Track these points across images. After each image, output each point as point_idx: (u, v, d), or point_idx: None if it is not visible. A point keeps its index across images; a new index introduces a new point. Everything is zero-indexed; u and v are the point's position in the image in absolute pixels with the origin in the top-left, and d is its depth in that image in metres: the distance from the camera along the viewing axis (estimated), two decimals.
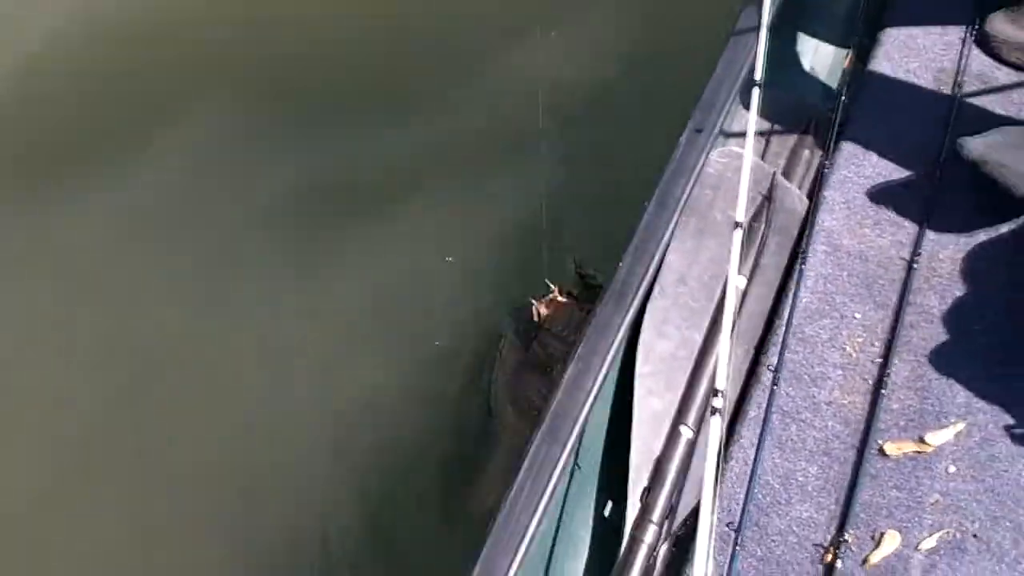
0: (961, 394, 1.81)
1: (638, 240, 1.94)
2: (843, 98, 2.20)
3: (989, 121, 2.10)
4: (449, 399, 2.77)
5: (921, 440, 1.76)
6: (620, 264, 1.91)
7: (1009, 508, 1.67)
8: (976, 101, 2.21)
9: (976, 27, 2.30)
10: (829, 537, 1.72)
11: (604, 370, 1.76)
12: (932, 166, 2.10)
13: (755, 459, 1.80)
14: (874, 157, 2.17)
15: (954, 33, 2.34)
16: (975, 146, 1.95)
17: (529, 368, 2.51)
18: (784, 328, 1.94)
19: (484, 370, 2.69)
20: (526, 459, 1.68)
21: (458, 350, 2.85)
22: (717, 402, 1.62)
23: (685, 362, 1.89)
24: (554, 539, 1.78)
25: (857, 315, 1.96)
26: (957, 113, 2.18)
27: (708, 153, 2.04)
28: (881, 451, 1.76)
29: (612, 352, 1.79)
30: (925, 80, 2.28)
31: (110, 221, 3.22)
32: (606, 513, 1.86)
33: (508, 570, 1.60)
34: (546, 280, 2.47)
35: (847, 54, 2.41)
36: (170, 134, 3.39)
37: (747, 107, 2.00)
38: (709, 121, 2.10)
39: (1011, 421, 1.75)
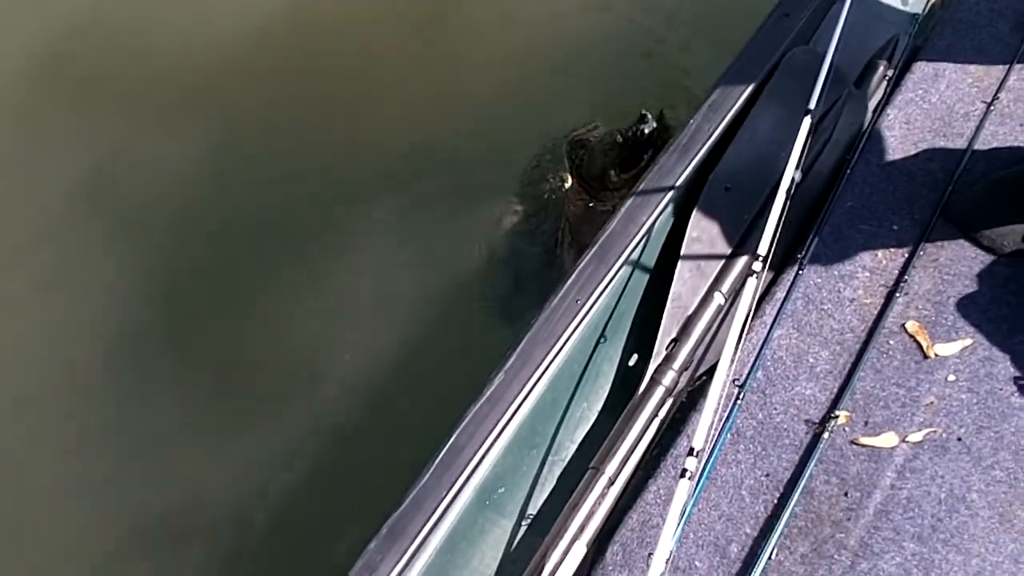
0: (974, 314, 1.94)
1: (710, 102, 2.01)
2: (925, 24, 2.25)
3: None
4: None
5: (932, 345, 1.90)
6: (691, 120, 1.99)
7: (995, 421, 1.81)
8: None
9: None
10: (825, 414, 1.87)
11: (658, 212, 1.87)
12: (990, 102, 2.18)
13: (773, 334, 1.93)
14: (942, 86, 2.24)
15: None
16: (962, 207, 2.03)
17: (594, 218, 2.57)
18: (825, 225, 2.05)
19: (549, 213, 2.75)
20: (572, 275, 1.79)
21: None
22: (757, 266, 1.74)
23: (732, 236, 1.99)
24: (582, 374, 1.90)
25: (895, 227, 2.06)
26: (1022, 57, 2.25)
27: (791, 39, 2.10)
28: (903, 327, 1.91)
29: (667, 199, 1.89)
30: (1004, 20, 2.33)
31: None
32: (631, 363, 1.99)
33: (534, 374, 1.73)
34: (642, 110, 2.49)
35: None
36: None
37: (837, 9, 2.05)
38: (797, 13, 2.15)
39: (1015, 345, 1.88)
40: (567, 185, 2.74)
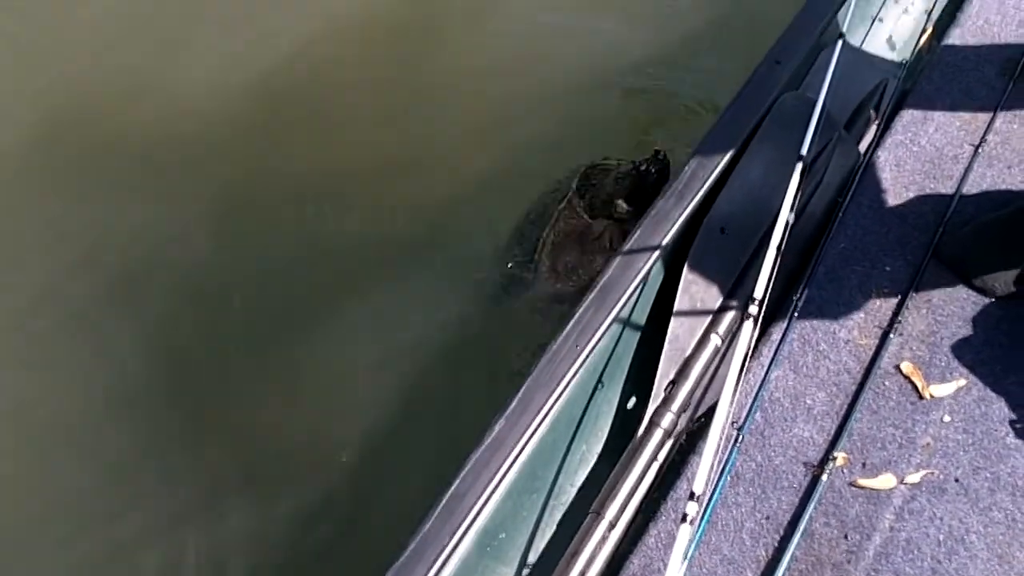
0: (968, 355, 1.95)
1: (704, 148, 2.04)
2: (913, 69, 2.30)
3: None
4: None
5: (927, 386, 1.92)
6: (685, 167, 2.02)
7: (991, 461, 1.83)
8: None
9: None
10: (823, 456, 1.88)
11: (654, 257, 1.89)
12: (977, 144, 2.22)
13: (770, 375, 1.94)
14: (931, 129, 2.29)
15: None
16: (953, 250, 2.07)
17: (580, 238, 2.59)
18: (819, 266, 2.07)
19: (539, 221, 2.79)
20: (571, 321, 1.81)
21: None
22: (753, 309, 1.76)
23: (727, 278, 2.01)
24: (581, 418, 1.91)
25: (888, 268, 2.09)
26: (1008, 101, 2.30)
27: (782, 85, 2.14)
28: (898, 368, 1.93)
29: (663, 243, 1.91)
30: (990, 65, 2.39)
31: None
32: (629, 405, 1.99)
33: (535, 419, 1.73)
34: (656, 148, 2.52)
35: (926, 28, 2.51)
36: None
37: (827, 55, 2.10)
38: (788, 60, 2.19)
39: (1009, 386, 1.90)
40: (566, 199, 2.76)
